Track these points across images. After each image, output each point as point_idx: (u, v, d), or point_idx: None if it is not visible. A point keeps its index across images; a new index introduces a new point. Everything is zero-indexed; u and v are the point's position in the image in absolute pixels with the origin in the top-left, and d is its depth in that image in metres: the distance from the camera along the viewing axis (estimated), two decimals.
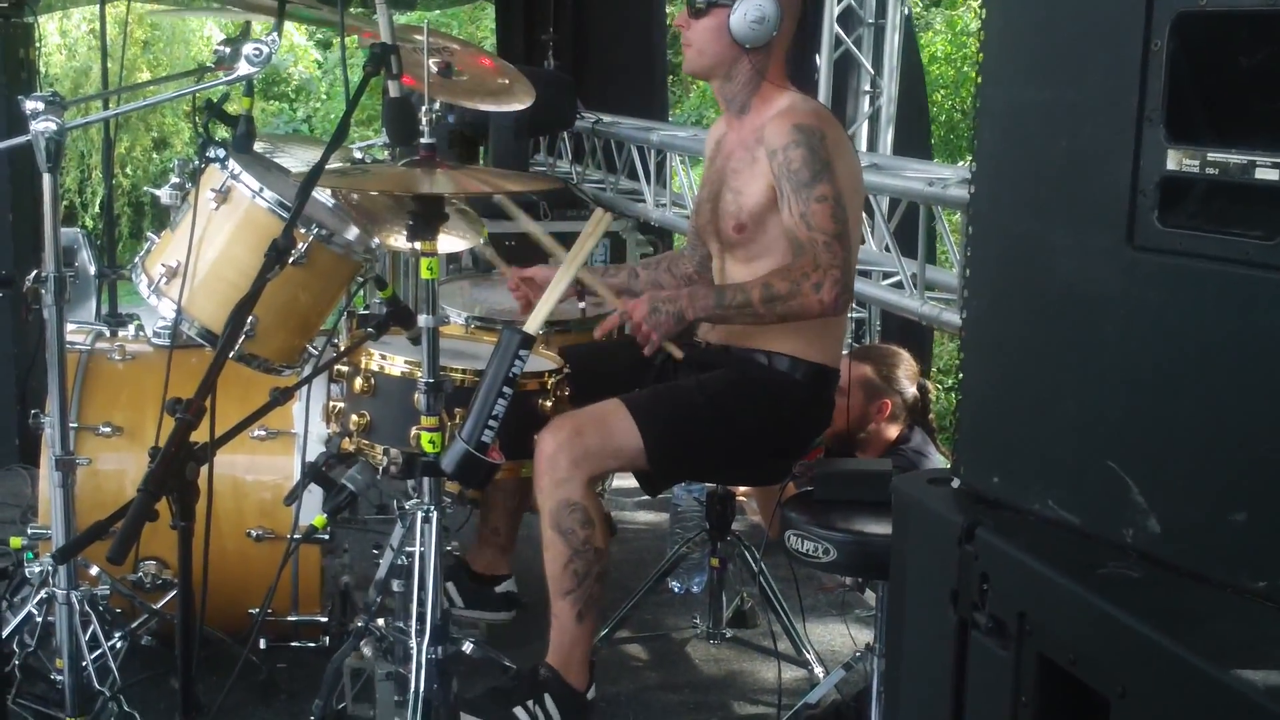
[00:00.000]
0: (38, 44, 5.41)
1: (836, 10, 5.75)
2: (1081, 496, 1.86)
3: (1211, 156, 1.64)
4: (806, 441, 3.41)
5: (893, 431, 4.22)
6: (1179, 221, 1.70)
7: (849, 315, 4.30)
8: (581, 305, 3.64)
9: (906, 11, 5.80)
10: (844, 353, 5.70)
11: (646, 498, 3.31)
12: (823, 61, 5.77)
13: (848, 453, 4.16)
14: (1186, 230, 1.69)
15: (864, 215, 4.90)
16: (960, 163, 13.24)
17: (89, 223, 14.45)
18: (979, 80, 2.04)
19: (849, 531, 2.82)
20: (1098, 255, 1.79)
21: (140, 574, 3.30)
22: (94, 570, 3.15)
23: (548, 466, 3.01)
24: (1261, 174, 1.59)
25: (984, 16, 2.02)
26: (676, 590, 4.00)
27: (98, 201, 14.53)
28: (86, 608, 2.96)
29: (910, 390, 4.26)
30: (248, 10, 3.18)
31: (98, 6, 5.73)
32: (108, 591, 3.10)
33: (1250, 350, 1.63)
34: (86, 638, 2.95)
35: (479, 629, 3.56)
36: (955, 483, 2.08)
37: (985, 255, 2.04)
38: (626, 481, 4.41)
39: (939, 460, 4.11)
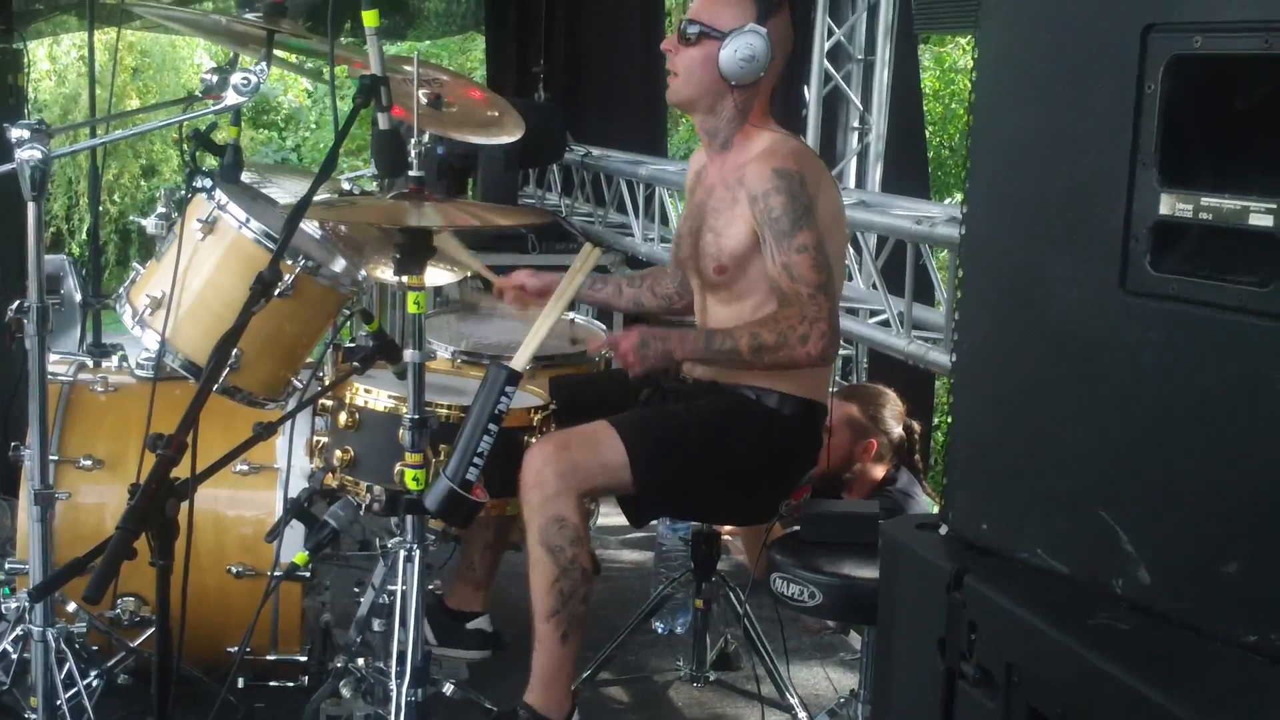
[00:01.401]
0: (26, 70, 5.39)
1: (826, 46, 5.76)
2: (1071, 545, 1.83)
3: (1205, 201, 1.63)
4: (794, 477, 3.38)
5: (879, 472, 4.20)
6: (1173, 266, 1.68)
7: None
8: (571, 316, 3.65)
9: (908, 45, 5.82)
10: (831, 390, 5.71)
11: (632, 537, 3.28)
12: (811, 97, 5.78)
13: (833, 492, 4.14)
14: (1180, 275, 1.67)
15: (851, 252, 4.90)
16: (948, 200, 13.31)
17: (76, 249, 14.41)
18: (971, 118, 2.02)
19: (835, 575, 2.80)
20: (1091, 298, 1.78)
21: (118, 610, 3.26)
22: (71, 606, 3.11)
23: (535, 482, 2.97)
24: (1255, 220, 1.57)
25: (978, 54, 2.01)
26: (661, 631, 3.96)
27: (85, 228, 14.49)
28: (63, 645, 2.91)
29: (896, 430, 4.25)
30: (236, 42, 3.16)
31: (87, 33, 5.72)
32: (85, 629, 3.07)
33: (1244, 398, 1.61)
34: (62, 676, 2.90)
35: (461, 669, 3.51)
36: (943, 529, 2.06)
37: (976, 296, 2.02)
38: (612, 520, 4.39)
39: (925, 502, 4.09)
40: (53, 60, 15.64)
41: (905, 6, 5.71)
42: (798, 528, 3.11)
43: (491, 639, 3.72)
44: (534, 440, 3.14)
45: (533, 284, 3.51)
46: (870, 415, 4.22)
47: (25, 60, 5.38)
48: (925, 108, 14.12)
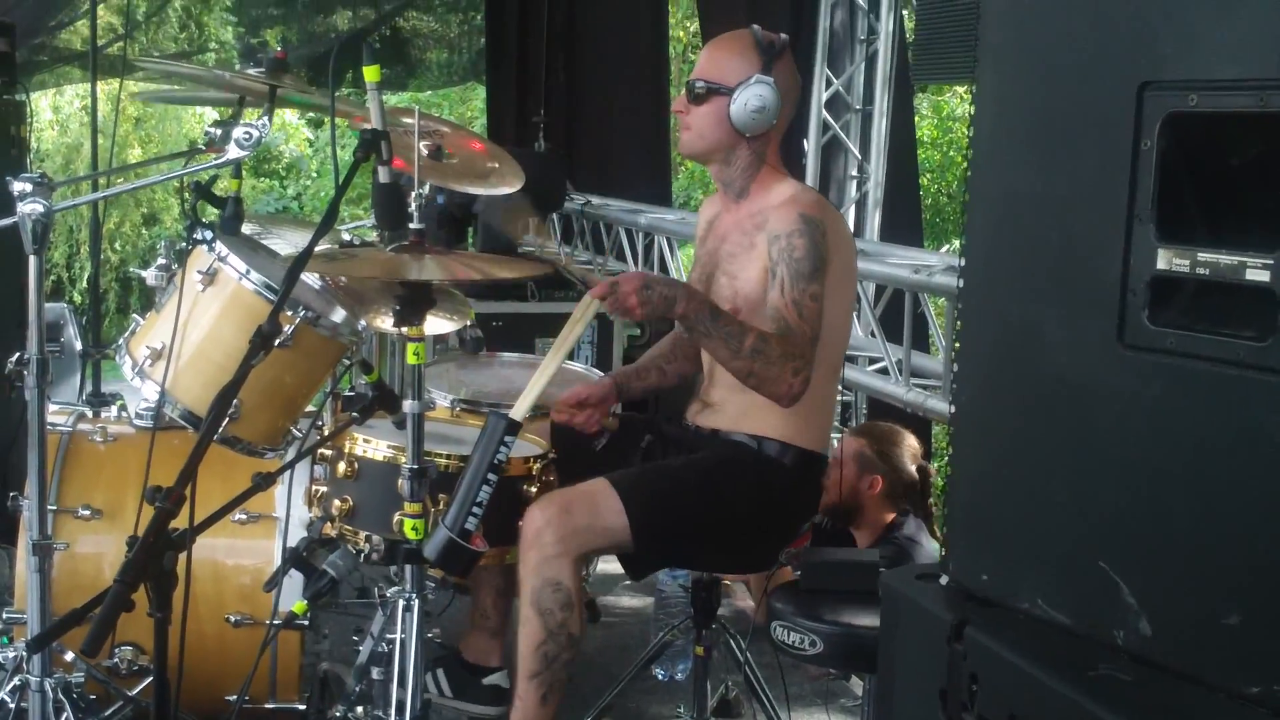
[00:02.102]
0: (29, 120, 5.42)
1: (825, 96, 5.81)
2: (1072, 596, 1.83)
3: (1202, 256, 1.64)
4: (794, 527, 3.38)
5: (887, 514, 4.17)
6: (1170, 320, 1.69)
7: (837, 400, 4.28)
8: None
9: (904, 95, 5.86)
10: (845, 429, 5.70)
11: (631, 583, 3.27)
12: (810, 146, 5.82)
13: (843, 527, 4.12)
14: (1178, 330, 1.68)
15: None
16: (945, 246, 13.35)
17: (76, 297, 14.44)
18: (969, 172, 2.04)
19: (836, 624, 2.79)
20: (1089, 351, 1.78)
21: (116, 660, 3.25)
22: (69, 656, 3.11)
23: (534, 542, 2.97)
24: (1252, 275, 1.58)
25: (975, 108, 2.03)
26: (661, 678, 3.95)
27: (85, 276, 14.51)
28: (60, 695, 2.91)
29: (909, 469, 4.21)
30: (238, 100, 3.18)
31: (90, 84, 5.76)
32: (83, 678, 3.05)
33: (1243, 451, 1.61)
34: None
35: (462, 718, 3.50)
36: (944, 579, 2.06)
37: (975, 347, 2.03)
38: (611, 566, 4.37)
39: (932, 548, 4.06)
40: (56, 110, 15.71)
41: (903, 57, 5.76)
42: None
43: (507, 695, 3.70)
44: (533, 489, 3.14)
45: (590, 395, 3.33)
46: (878, 451, 4.20)
47: (28, 111, 5.41)
48: (923, 156, 14.24)
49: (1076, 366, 1.81)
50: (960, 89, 13.63)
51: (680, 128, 3.24)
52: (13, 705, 2.97)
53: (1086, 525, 1.81)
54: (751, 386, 3.00)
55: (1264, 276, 1.57)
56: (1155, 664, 1.72)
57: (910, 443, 4.28)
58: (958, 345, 2.06)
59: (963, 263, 2.04)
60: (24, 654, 2.95)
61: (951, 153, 14.94)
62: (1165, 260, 1.68)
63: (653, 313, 2.95)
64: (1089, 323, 1.78)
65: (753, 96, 3.10)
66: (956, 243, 2.08)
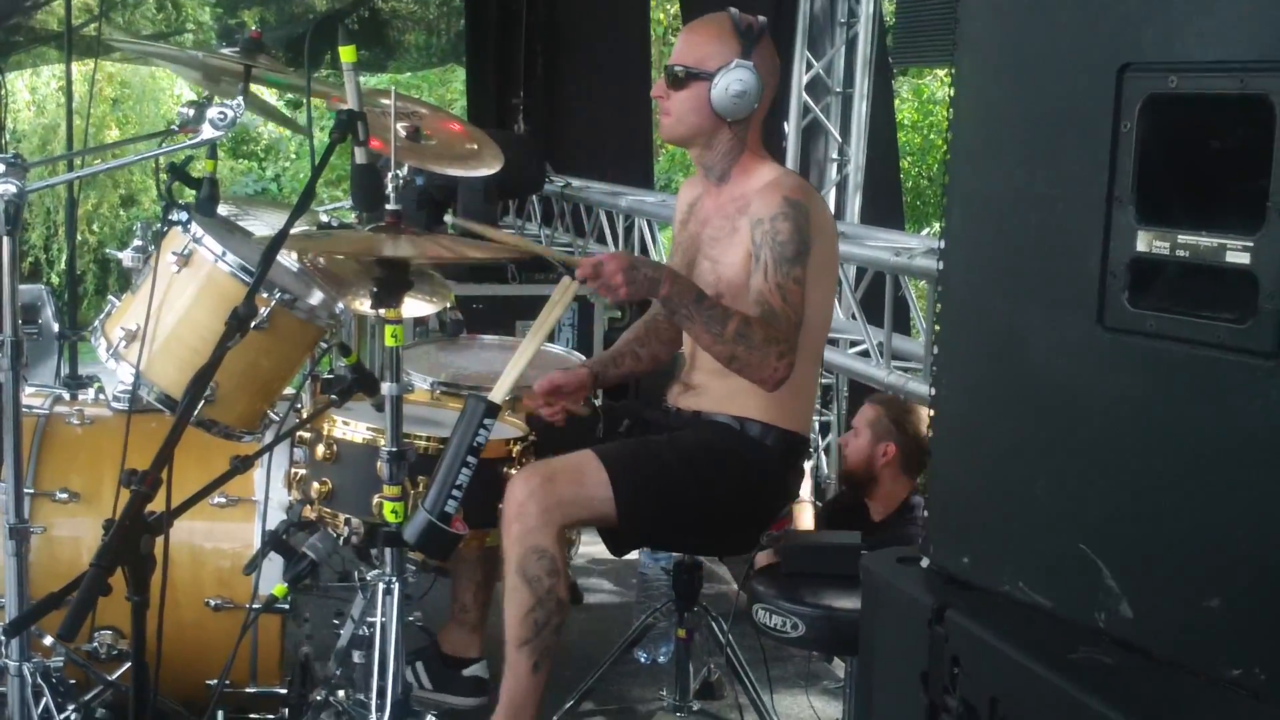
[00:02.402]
0: (4, 101, 5.38)
1: (805, 79, 5.80)
2: (1053, 579, 1.83)
3: (1182, 239, 1.64)
4: (775, 509, 3.38)
5: (902, 487, 4.11)
6: (1150, 303, 1.69)
7: (818, 382, 4.28)
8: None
9: (884, 78, 5.86)
10: (827, 410, 5.70)
11: (613, 566, 3.27)
12: (790, 129, 5.82)
13: (859, 496, 4.10)
14: (1157, 312, 1.68)
15: None
16: (926, 230, 13.38)
17: (54, 279, 14.37)
18: (948, 156, 2.03)
19: (818, 606, 2.79)
20: (1069, 336, 1.78)
21: (95, 644, 3.23)
22: (47, 640, 3.08)
23: (517, 513, 2.96)
24: (1232, 257, 1.58)
25: (953, 95, 2.02)
26: (643, 661, 3.94)
27: (63, 258, 14.44)
28: (39, 680, 2.89)
29: (924, 438, 4.17)
30: (214, 76, 3.16)
31: (65, 65, 5.72)
32: (61, 663, 3.03)
33: (1223, 433, 1.61)
34: (39, 710, 2.88)
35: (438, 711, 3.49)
36: (925, 562, 2.06)
37: (955, 333, 2.03)
38: (593, 549, 4.37)
39: None
40: (32, 91, 15.63)
41: (882, 40, 5.75)
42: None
43: (487, 686, 3.70)
44: (513, 472, 3.13)
45: (566, 382, 3.31)
46: (893, 419, 4.16)
47: (4, 91, 5.37)
48: (904, 139, 14.26)
49: (1057, 350, 1.81)
50: (940, 72, 13.63)
51: (660, 112, 3.22)
52: None
53: (1067, 508, 1.81)
54: (735, 371, 2.99)
55: (1244, 259, 1.57)
56: (1136, 647, 1.72)
57: (927, 415, 4.25)
58: (938, 328, 2.05)
59: (943, 246, 2.04)
60: (1, 638, 2.93)
61: (932, 135, 14.97)
62: (1145, 242, 1.68)
63: (637, 293, 2.93)
64: (1069, 305, 1.78)
65: (733, 81, 3.08)
66: (937, 225, 2.07)
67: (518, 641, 2.99)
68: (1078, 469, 1.79)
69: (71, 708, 3.03)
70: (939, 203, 2.08)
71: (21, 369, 2.85)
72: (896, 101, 14.43)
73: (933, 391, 2.08)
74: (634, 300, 2.99)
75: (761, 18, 3.17)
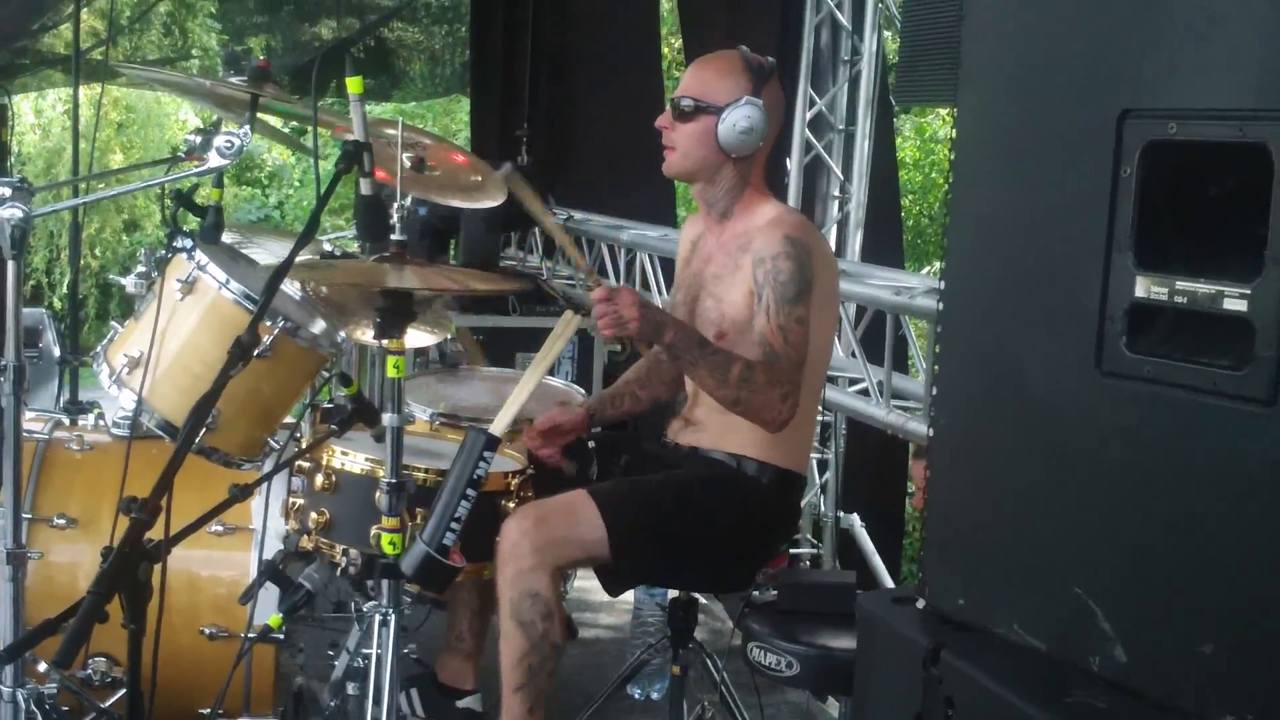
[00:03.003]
0: (10, 124, 5.41)
1: (808, 116, 5.83)
2: (1048, 622, 1.84)
3: (1180, 285, 1.65)
4: (771, 547, 3.37)
5: None
6: (1148, 348, 1.70)
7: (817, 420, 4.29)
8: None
9: (885, 116, 5.89)
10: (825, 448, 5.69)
11: (609, 601, 3.26)
12: (793, 166, 5.84)
13: None
14: (1156, 357, 1.69)
15: None
16: (926, 268, 13.40)
17: (57, 303, 14.38)
18: (950, 195, 2.05)
19: (813, 645, 2.79)
20: (1067, 377, 1.79)
21: (90, 671, 3.22)
22: (42, 666, 3.07)
23: (511, 555, 2.96)
24: (1230, 304, 1.59)
25: (956, 132, 2.03)
26: (637, 697, 3.94)
27: (65, 282, 14.45)
28: (33, 706, 2.88)
29: None
30: (221, 104, 3.18)
31: (72, 89, 5.76)
32: (56, 690, 3.02)
33: (1220, 478, 1.62)
34: None
35: None
36: (920, 603, 2.06)
37: (954, 370, 2.04)
38: (588, 583, 4.36)
39: None
40: (38, 114, 15.66)
41: (884, 78, 5.78)
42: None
43: (481, 718, 3.68)
44: (512, 505, 3.13)
45: (564, 421, 3.34)
46: None
47: (9, 115, 5.40)
48: (906, 177, 14.30)
49: (1054, 392, 1.82)
50: (943, 111, 13.69)
51: (665, 145, 3.23)
52: None
53: (1063, 551, 1.81)
54: (740, 414, 3.01)
55: (1241, 306, 1.58)
56: (1130, 691, 1.72)
57: None
58: (937, 368, 2.06)
59: (943, 286, 2.05)
60: None
61: (934, 174, 15.00)
62: (1144, 288, 1.69)
63: (644, 333, 2.96)
64: (1067, 349, 1.79)
65: (741, 118, 3.10)
66: (938, 265, 2.08)
67: (513, 686, 2.99)
68: (1074, 511, 1.79)
69: None
70: (940, 241, 2.10)
71: (23, 394, 2.86)
72: (898, 140, 14.50)
73: (930, 431, 2.09)
74: (639, 339, 3.00)
75: (771, 59, 3.19)
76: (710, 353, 2.98)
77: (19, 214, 2.73)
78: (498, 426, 2.89)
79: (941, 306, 2.05)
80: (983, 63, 2.01)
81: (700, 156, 3.17)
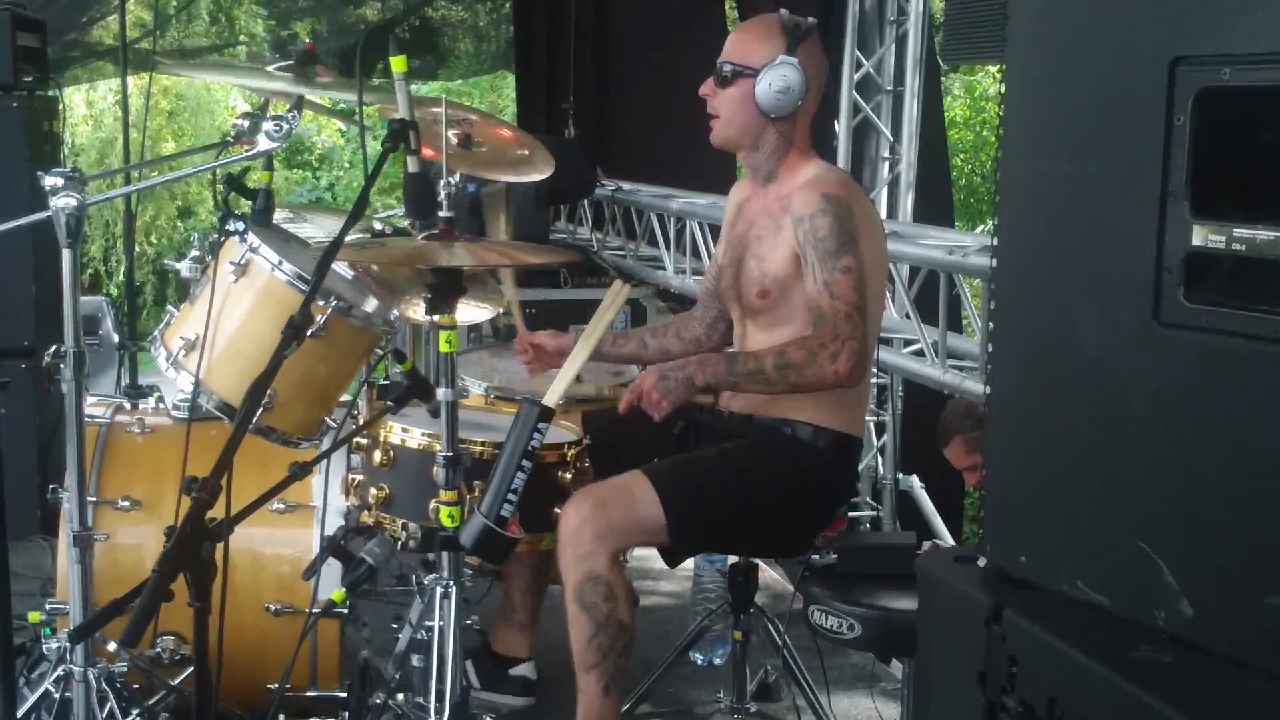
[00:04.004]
0: (62, 117, 5.46)
1: (855, 78, 5.78)
2: (1111, 577, 1.82)
3: (1238, 232, 1.62)
4: (829, 512, 3.37)
5: None
6: (1206, 298, 1.67)
7: (871, 382, 4.27)
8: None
9: (933, 76, 5.83)
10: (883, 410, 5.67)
11: (668, 569, 3.27)
12: (841, 128, 5.80)
13: None
14: (1214, 307, 1.66)
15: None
16: (980, 227, 13.29)
17: (114, 291, 14.54)
18: (1000, 154, 2.02)
19: (874, 607, 2.78)
20: (1124, 332, 1.77)
21: (158, 649, 3.28)
22: (111, 646, 3.12)
23: (571, 540, 2.98)
24: None
25: (1004, 89, 2.01)
26: (699, 663, 3.95)
27: (122, 270, 14.61)
28: (104, 685, 2.93)
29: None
30: (269, 90, 3.19)
31: (121, 79, 5.81)
32: (125, 668, 3.07)
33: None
34: (104, 715, 2.92)
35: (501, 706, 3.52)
36: (981, 561, 2.05)
37: (1009, 331, 2.02)
38: (647, 551, 4.38)
39: None
40: (90, 105, 15.82)
41: (931, 38, 5.72)
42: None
43: (534, 686, 3.71)
44: (568, 476, 3.15)
45: (551, 345, 3.51)
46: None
47: (61, 107, 5.45)
48: (956, 136, 14.16)
49: (1112, 347, 1.80)
50: (993, 68, 13.54)
51: (709, 113, 3.24)
52: (57, 695, 3.00)
53: (1125, 506, 1.79)
54: (805, 393, 3.05)
55: None
56: (1196, 645, 1.71)
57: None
58: (992, 326, 2.04)
59: (996, 243, 2.03)
60: (67, 644, 2.98)
61: (985, 132, 14.86)
62: (1200, 237, 1.66)
63: (679, 399, 3.01)
64: (1124, 301, 1.77)
65: (777, 77, 3.11)
66: (990, 223, 2.06)
67: (585, 666, 3.02)
68: (1134, 466, 1.77)
69: (135, 712, 3.06)
70: (992, 200, 2.08)
71: (84, 379, 2.90)
72: (949, 99, 14.38)
73: (987, 389, 2.07)
74: (681, 405, 3.02)
75: (811, 19, 3.19)
76: (739, 364, 3.03)
77: (73, 203, 2.76)
78: (551, 398, 2.91)
79: (995, 264, 2.04)
80: (1031, 17, 1.98)
81: (742, 121, 3.18)
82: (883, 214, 5.73)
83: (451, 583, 2.94)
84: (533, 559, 3.60)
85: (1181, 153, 1.68)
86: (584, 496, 3.04)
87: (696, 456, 3.23)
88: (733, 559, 3.60)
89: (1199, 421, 1.69)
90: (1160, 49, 1.70)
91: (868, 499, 5.93)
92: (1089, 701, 1.71)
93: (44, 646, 3.12)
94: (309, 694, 3.35)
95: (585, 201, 8.01)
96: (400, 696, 3.08)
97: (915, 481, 5.72)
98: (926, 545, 4.21)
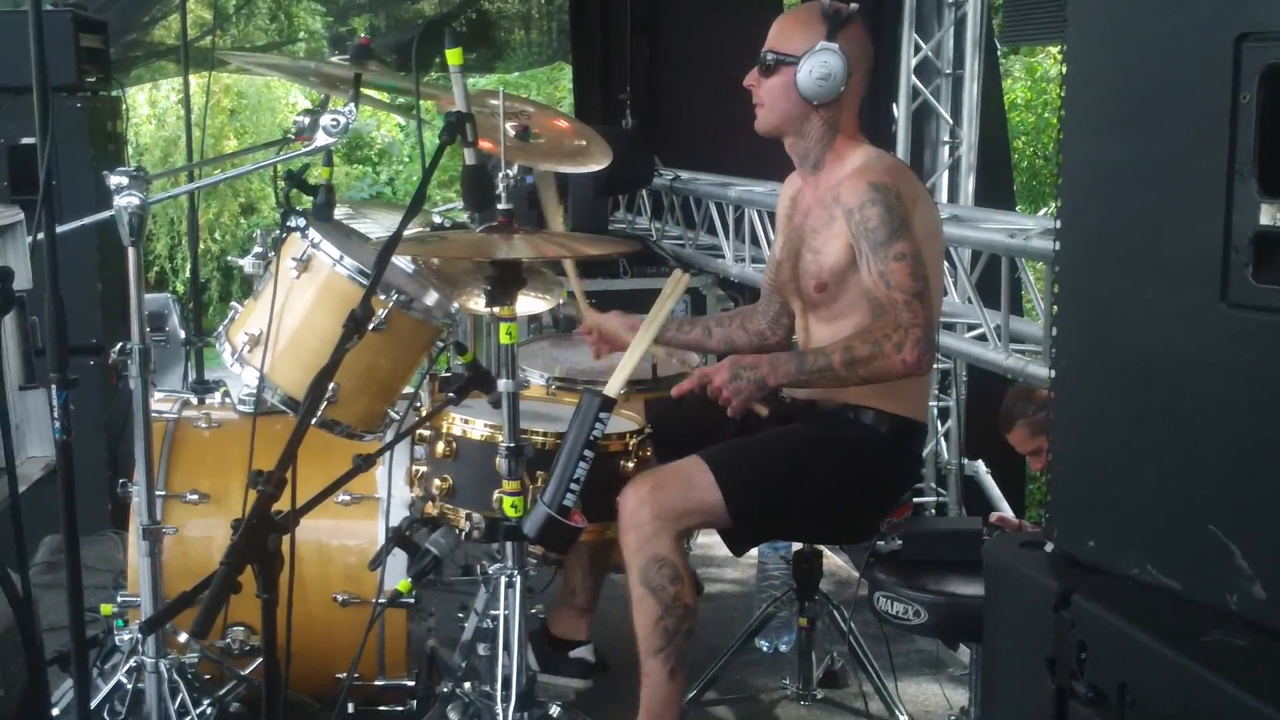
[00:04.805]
0: (125, 116, 5.53)
1: (914, 61, 5.73)
2: (1181, 561, 1.80)
3: None
4: (893, 497, 3.35)
5: None
6: (1274, 277, 1.65)
7: (934, 368, 4.24)
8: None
9: (991, 58, 5.77)
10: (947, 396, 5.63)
11: (732, 556, 3.27)
12: (900, 112, 5.75)
13: None
14: None
15: (946, 266, 4.85)
16: (1042, 210, 13.14)
17: (180, 287, 14.71)
18: (1061, 136, 2.00)
19: (940, 593, 2.77)
20: (1190, 313, 1.74)
21: (228, 640, 3.31)
22: (182, 637, 3.17)
23: (632, 523, 2.99)
24: None
25: (1065, 71, 1.98)
26: (765, 650, 3.95)
27: (187, 267, 14.78)
28: (175, 676, 2.98)
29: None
30: (326, 84, 3.21)
31: (182, 78, 5.87)
32: (196, 659, 3.12)
33: None
34: (176, 705, 2.97)
35: (568, 693, 3.53)
36: (1049, 546, 2.03)
37: (1073, 314, 2.00)
38: (711, 539, 4.38)
39: None
40: (153, 105, 15.99)
41: (989, 20, 5.67)
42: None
43: (593, 668, 3.73)
44: (630, 465, 3.15)
45: (622, 323, 3.54)
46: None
47: (124, 107, 5.52)
48: (1018, 118, 14.00)
49: (1178, 327, 1.77)
50: (1053, 49, 13.38)
51: (754, 102, 3.24)
52: (129, 685, 3.05)
53: (1194, 489, 1.77)
54: (874, 384, 3.04)
55: None
56: (1270, 629, 1.68)
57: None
58: (1056, 309, 2.02)
59: (1058, 226, 2.01)
60: (139, 636, 3.03)
61: (1046, 114, 14.69)
62: (1269, 215, 1.64)
63: (748, 398, 3.02)
64: (1191, 282, 1.74)
65: (818, 64, 3.11)
66: (1054, 206, 2.04)
67: (651, 650, 3.02)
68: (1202, 448, 1.75)
69: (206, 702, 3.11)
70: (1055, 182, 2.05)
71: (150, 375, 2.94)
72: (1009, 81, 14.23)
73: (1051, 373, 2.05)
74: (749, 404, 3.02)
75: (854, 4, 3.17)
76: (809, 362, 3.02)
77: (136, 201, 2.80)
78: (612, 388, 2.91)
79: (1058, 246, 2.01)
80: None
81: (785, 109, 3.18)
82: (943, 198, 5.69)
83: (516, 572, 2.96)
84: (595, 546, 3.61)
85: (1248, 130, 1.66)
86: (642, 480, 3.04)
87: (756, 440, 3.22)
88: (797, 546, 3.59)
89: (1268, 402, 1.66)
90: (1225, 26, 1.68)
91: (933, 484, 5.89)
92: (1161, 687, 1.70)
93: (117, 638, 3.17)
94: (377, 683, 3.39)
95: (643, 191, 8.00)
96: (467, 685, 3.10)
97: (981, 466, 5.68)
98: (993, 516, 4.19)
